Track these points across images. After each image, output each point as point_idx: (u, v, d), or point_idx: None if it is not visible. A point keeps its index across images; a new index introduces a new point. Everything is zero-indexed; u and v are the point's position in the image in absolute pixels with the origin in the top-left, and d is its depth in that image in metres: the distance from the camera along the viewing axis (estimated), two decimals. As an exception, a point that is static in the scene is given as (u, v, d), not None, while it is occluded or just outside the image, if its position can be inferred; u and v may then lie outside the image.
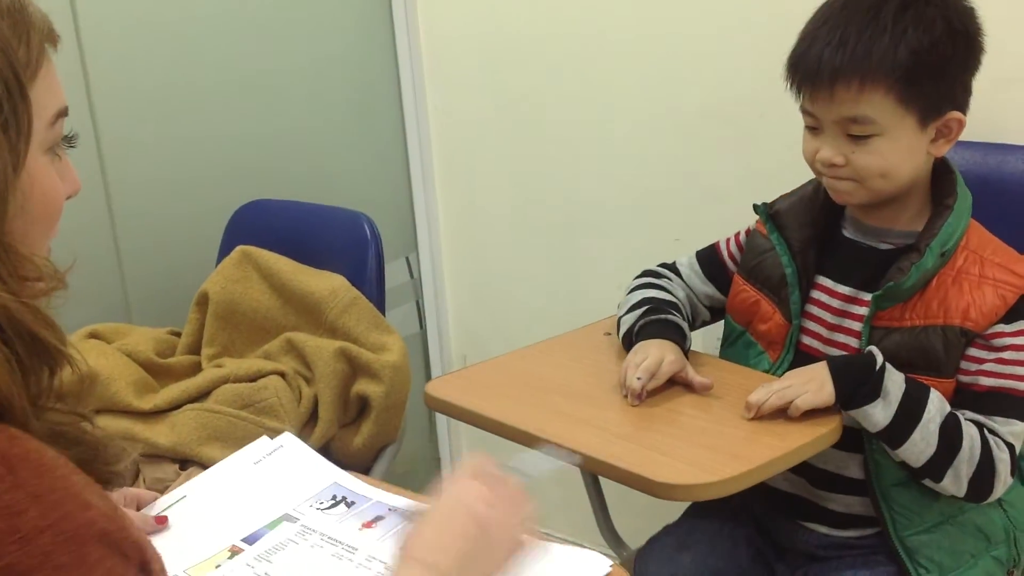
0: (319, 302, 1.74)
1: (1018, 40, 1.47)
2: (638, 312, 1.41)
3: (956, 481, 1.23)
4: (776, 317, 1.38)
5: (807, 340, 1.36)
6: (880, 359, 1.23)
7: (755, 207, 1.41)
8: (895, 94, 1.19)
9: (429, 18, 2.28)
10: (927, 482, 1.25)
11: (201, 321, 1.80)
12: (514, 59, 2.15)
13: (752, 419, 1.24)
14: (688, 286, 1.50)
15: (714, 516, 1.45)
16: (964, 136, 1.49)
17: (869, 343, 1.28)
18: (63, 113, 0.77)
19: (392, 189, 2.40)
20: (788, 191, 1.42)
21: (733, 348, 1.45)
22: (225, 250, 1.91)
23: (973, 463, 1.22)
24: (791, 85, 1.27)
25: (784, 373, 1.30)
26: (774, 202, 1.41)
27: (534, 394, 1.35)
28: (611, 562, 0.98)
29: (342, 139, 2.28)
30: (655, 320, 1.39)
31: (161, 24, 1.96)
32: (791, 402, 1.22)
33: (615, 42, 1.97)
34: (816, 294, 1.36)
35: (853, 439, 1.28)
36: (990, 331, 1.24)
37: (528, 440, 1.26)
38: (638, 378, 1.29)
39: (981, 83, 1.51)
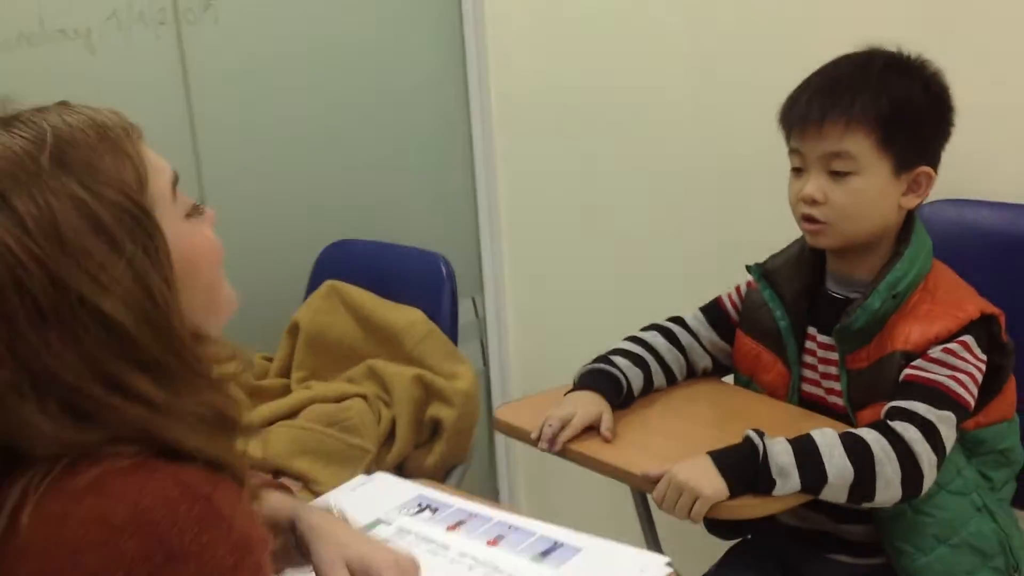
0: (398, 333, 1.91)
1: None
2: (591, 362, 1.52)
3: (888, 486, 1.24)
4: (777, 367, 1.48)
5: (808, 388, 1.47)
6: (760, 446, 1.27)
7: (748, 267, 1.50)
8: (874, 138, 1.33)
9: (499, 67, 2.34)
10: (865, 506, 1.28)
11: (292, 347, 1.98)
12: (580, 107, 2.19)
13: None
14: (692, 334, 1.57)
15: (745, 568, 1.54)
16: (1001, 198, 1.58)
17: (848, 386, 1.38)
18: (175, 180, 0.81)
19: (460, 231, 2.48)
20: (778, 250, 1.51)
21: None
22: (313, 284, 2.08)
23: (893, 459, 1.24)
24: (782, 127, 1.40)
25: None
26: (765, 261, 1.50)
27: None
28: (667, 559, 1.09)
29: (416, 184, 2.39)
30: (592, 370, 1.50)
31: (267, 73, 2.10)
32: (693, 500, 1.25)
33: (680, 91, 2.00)
34: (809, 344, 1.45)
35: None
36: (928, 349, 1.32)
37: (591, 464, 1.39)
38: (549, 425, 1.41)
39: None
